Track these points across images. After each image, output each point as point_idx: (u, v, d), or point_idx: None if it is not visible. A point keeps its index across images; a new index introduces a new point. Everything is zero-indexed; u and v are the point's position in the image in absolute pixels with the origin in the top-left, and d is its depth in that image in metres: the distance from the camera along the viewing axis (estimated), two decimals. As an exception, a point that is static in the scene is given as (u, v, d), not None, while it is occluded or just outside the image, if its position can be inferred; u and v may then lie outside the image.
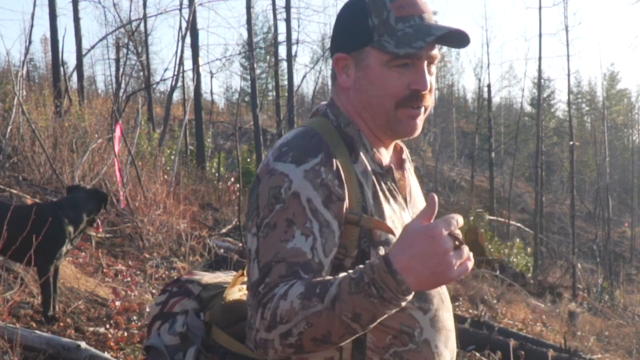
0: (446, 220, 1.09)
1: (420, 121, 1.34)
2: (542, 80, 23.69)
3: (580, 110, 43.55)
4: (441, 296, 1.35)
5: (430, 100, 1.34)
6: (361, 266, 1.12)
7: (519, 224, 23.81)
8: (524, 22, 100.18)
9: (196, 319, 1.40)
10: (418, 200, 1.44)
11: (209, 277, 1.53)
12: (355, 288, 1.08)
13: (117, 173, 6.97)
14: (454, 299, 9.66)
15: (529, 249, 17.88)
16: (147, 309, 4.67)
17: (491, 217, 20.84)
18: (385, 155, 1.40)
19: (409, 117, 1.32)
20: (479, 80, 28.45)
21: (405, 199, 1.39)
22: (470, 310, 8.91)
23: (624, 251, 28.15)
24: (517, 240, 18.01)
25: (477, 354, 6.24)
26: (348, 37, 1.33)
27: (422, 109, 1.34)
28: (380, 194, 1.31)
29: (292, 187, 1.21)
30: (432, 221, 1.10)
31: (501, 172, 29.67)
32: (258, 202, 1.25)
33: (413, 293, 1.09)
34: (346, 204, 1.24)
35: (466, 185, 29.81)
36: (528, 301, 11.15)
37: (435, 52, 1.32)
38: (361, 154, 1.33)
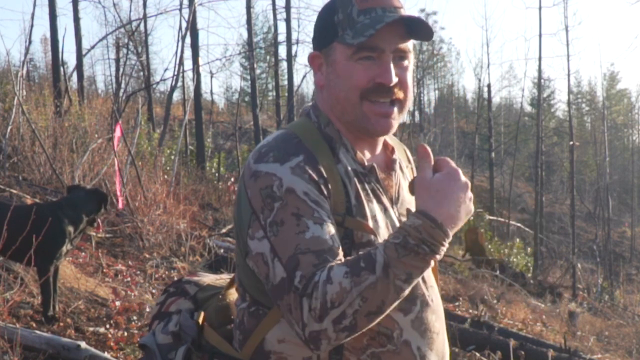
0: (446, 159, 1.21)
1: (392, 119, 1.32)
2: (542, 80, 23.69)
3: (580, 110, 43.55)
4: (427, 298, 1.33)
5: (403, 95, 1.32)
6: (399, 229, 1.16)
7: (519, 224, 23.81)
8: (524, 22, 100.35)
9: (189, 318, 1.40)
10: (408, 202, 1.40)
11: (210, 279, 1.55)
12: (403, 251, 1.12)
13: (117, 174, 6.96)
14: (454, 299, 9.66)
15: (529, 249, 17.88)
16: (148, 309, 4.68)
17: (491, 217, 20.84)
18: (368, 155, 1.38)
19: (377, 114, 1.30)
20: (479, 80, 28.48)
21: (391, 199, 1.37)
22: (470, 310, 8.91)
23: (624, 251, 28.15)
24: (517, 240, 18.02)
25: (477, 354, 6.24)
26: (319, 35, 1.36)
27: (394, 107, 1.32)
28: (362, 193, 1.30)
29: (283, 184, 1.20)
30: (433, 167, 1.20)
31: (501, 172, 29.68)
32: (253, 207, 1.23)
33: None
34: (329, 200, 1.24)
35: (466, 185, 29.76)
36: (528, 301, 11.15)
37: (405, 45, 1.31)
38: (341, 154, 1.32)
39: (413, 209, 1.24)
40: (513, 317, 9.23)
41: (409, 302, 1.27)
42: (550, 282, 14.93)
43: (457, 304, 9.36)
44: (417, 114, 35.67)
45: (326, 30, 1.33)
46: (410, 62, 1.34)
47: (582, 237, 25.92)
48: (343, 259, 1.18)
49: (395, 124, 1.34)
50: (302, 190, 1.20)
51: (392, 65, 1.29)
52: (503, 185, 29.43)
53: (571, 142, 20.68)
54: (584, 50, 67.27)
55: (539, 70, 22.06)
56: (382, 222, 1.31)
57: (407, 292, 1.16)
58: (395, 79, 1.29)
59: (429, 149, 1.18)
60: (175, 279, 1.45)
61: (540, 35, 20.99)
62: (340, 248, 1.20)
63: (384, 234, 1.29)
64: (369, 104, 1.30)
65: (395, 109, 1.32)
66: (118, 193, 6.63)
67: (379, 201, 1.34)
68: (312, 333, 1.12)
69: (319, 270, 1.13)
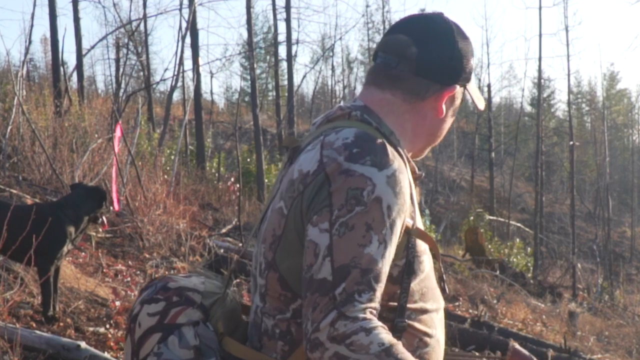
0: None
1: None
2: (542, 80, 23.71)
3: (580, 110, 43.56)
4: (444, 296, 1.42)
5: None
6: None
7: (519, 224, 23.82)
8: (524, 22, 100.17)
9: (207, 329, 1.34)
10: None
11: (185, 281, 1.44)
12: None
13: (114, 175, 6.94)
14: (454, 299, 9.66)
15: (529, 249, 17.88)
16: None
17: (491, 217, 20.85)
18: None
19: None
20: (479, 80, 28.43)
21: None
22: (470, 310, 8.91)
23: (624, 251, 28.16)
24: (517, 240, 18.01)
25: (477, 354, 6.24)
26: (453, 69, 1.39)
27: None
28: (416, 202, 1.35)
29: (375, 192, 1.20)
30: None
31: (501, 172, 29.69)
32: (332, 200, 1.21)
33: None
34: (406, 213, 1.27)
35: (466, 185, 29.81)
36: (528, 301, 11.15)
37: None
38: (406, 162, 1.36)
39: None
40: (513, 317, 9.24)
41: (438, 302, 1.36)
42: (550, 282, 14.93)
43: (457, 304, 9.35)
44: (417, 114, 35.63)
45: (460, 68, 1.39)
46: None
47: (582, 237, 25.92)
48: (385, 281, 1.21)
49: None
50: (387, 203, 1.21)
51: None
52: (503, 185, 29.43)
53: (571, 142, 20.69)
54: (584, 50, 67.51)
55: (539, 70, 22.10)
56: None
57: None
58: None
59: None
60: (150, 284, 1.30)
61: (540, 35, 21.04)
62: (386, 273, 1.22)
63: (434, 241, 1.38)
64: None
65: None
66: (114, 195, 6.62)
67: (421, 209, 1.40)
68: (317, 340, 1.15)
69: (362, 298, 1.16)
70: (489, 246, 15.53)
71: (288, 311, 1.30)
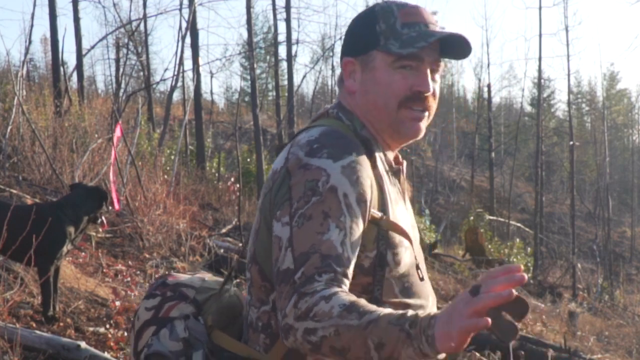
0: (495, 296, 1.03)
1: (423, 124, 1.40)
2: (542, 80, 23.70)
3: (580, 110, 43.54)
4: (432, 294, 1.44)
5: (433, 105, 1.40)
6: (412, 312, 1.11)
7: (519, 224, 23.82)
8: (524, 22, 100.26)
9: (197, 323, 1.40)
10: (409, 200, 1.49)
11: (185, 278, 1.51)
12: (395, 321, 1.09)
13: (112, 175, 6.93)
14: (454, 298, 9.67)
15: (529, 249, 17.88)
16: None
17: (491, 217, 20.84)
18: (391, 158, 1.45)
19: (411, 119, 1.38)
20: (479, 80, 28.45)
21: (405, 200, 1.45)
22: (470, 310, 8.91)
23: (624, 251, 28.16)
24: (517, 240, 18.01)
25: (477, 354, 6.24)
26: (356, 42, 1.41)
27: (425, 113, 1.39)
28: (392, 195, 1.37)
29: (329, 181, 1.25)
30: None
31: (501, 172, 29.68)
32: (291, 194, 1.27)
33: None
34: (370, 203, 1.29)
35: (466, 185, 29.80)
36: (528, 301, 11.15)
37: (440, 60, 1.39)
38: (377, 156, 1.38)
39: (409, 207, 1.35)
40: (513, 317, 9.23)
41: (425, 298, 1.39)
42: (550, 282, 14.94)
43: (457, 304, 9.35)
44: (417, 114, 35.64)
45: (366, 38, 1.38)
46: (439, 78, 1.42)
47: (582, 237, 25.92)
48: (351, 268, 1.22)
49: (424, 130, 1.42)
50: (343, 191, 1.25)
51: (429, 76, 1.37)
52: (503, 185, 29.42)
53: (571, 142, 20.69)
54: (584, 50, 67.56)
55: (539, 70, 22.09)
56: (406, 223, 1.38)
57: (376, 357, 1.11)
58: (432, 88, 1.37)
59: (524, 277, 1.06)
60: (154, 281, 1.40)
61: (540, 35, 21.02)
62: (351, 259, 1.23)
63: (409, 234, 1.36)
64: (406, 110, 1.37)
65: (426, 115, 1.40)
66: (114, 194, 6.62)
67: (405, 202, 1.42)
68: (286, 325, 1.17)
69: (321, 278, 1.17)
70: (489, 246, 15.53)
71: (268, 302, 1.34)
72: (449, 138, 37.79)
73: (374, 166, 1.35)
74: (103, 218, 4.32)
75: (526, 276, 1.05)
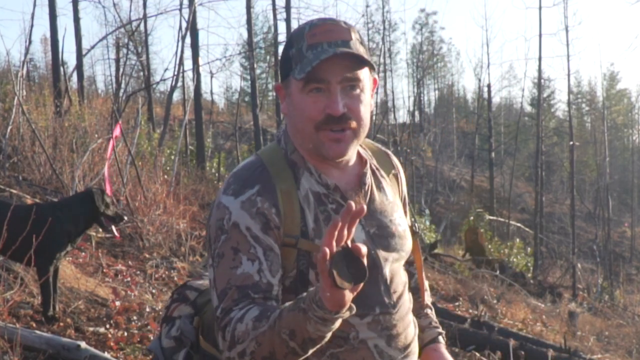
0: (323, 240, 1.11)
1: (346, 143, 1.37)
2: (542, 80, 23.70)
3: (580, 110, 43.56)
4: (386, 304, 1.41)
5: (354, 122, 1.36)
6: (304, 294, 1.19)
7: (519, 224, 23.81)
8: (524, 22, 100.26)
9: (188, 323, 1.54)
10: (382, 211, 1.47)
11: (198, 283, 1.66)
12: (293, 306, 1.17)
13: (106, 173, 6.91)
14: (454, 299, 9.67)
15: (529, 249, 17.88)
16: (147, 309, 4.68)
17: (491, 217, 20.84)
18: (337, 174, 1.43)
19: (330, 140, 1.36)
20: (479, 80, 28.49)
21: None
22: (470, 310, 8.91)
23: (624, 251, 28.16)
24: (517, 240, 18.01)
25: (477, 354, 6.24)
26: (281, 67, 1.44)
27: (347, 132, 1.36)
28: (321, 215, 1.38)
29: (232, 218, 1.33)
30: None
31: (501, 172, 29.67)
32: (210, 235, 1.37)
33: (341, 313, 1.14)
34: (283, 229, 1.34)
35: (466, 185, 29.82)
36: (528, 301, 11.15)
37: (353, 74, 1.34)
38: (303, 179, 1.40)
39: (388, 217, 1.39)
40: (513, 317, 9.24)
41: (367, 308, 1.37)
42: (550, 282, 14.94)
43: (457, 304, 9.36)
44: (417, 114, 35.69)
45: (284, 64, 1.41)
46: (363, 90, 1.37)
47: (582, 237, 25.92)
48: (274, 290, 1.30)
49: (351, 147, 1.39)
50: (245, 225, 1.32)
51: (339, 96, 1.33)
52: (503, 185, 29.42)
53: (571, 142, 20.69)
54: (584, 50, 67.52)
55: (539, 70, 22.09)
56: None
57: (300, 349, 1.18)
58: (342, 109, 1.33)
59: (351, 209, 1.11)
60: (176, 280, 1.60)
61: (540, 35, 21.03)
62: (273, 283, 1.30)
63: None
64: (324, 132, 1.36)
65: (348, 134, 1.37)
66: (107, 185, 6.61)
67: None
68: (226, 358, 1.27)
69: (238, 307, 1.26)
70: (489, 246, 15.53)
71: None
72: (449, 138, 37.78)
73: (297, 189, 1.37)
74: (113, 228, 4.26)
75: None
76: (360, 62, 1.34)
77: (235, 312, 1.25)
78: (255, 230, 1.31)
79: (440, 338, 1.60)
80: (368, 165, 1.49)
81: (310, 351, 1.21)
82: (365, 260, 1.11)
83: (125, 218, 4.31)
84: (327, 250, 1.08)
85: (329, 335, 1.18)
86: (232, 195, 1.35)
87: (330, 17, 1.44)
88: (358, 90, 1.36)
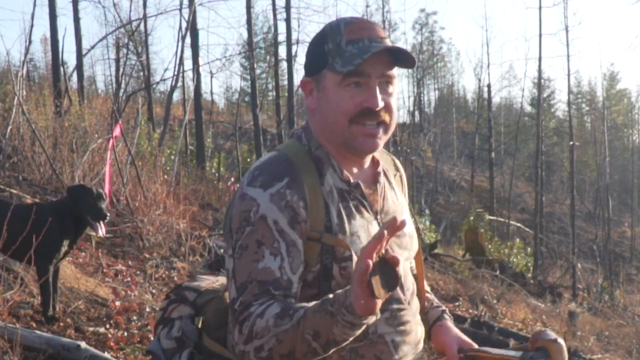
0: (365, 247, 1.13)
1: (379, 139, 1.42)
2: (542, 80, 23.70)
3: (580, 110, 43.57)
4: (402, 299, 1.46)
5: (387, 117, 1.41)
6: (331, 295, 1.21)
7: (519, 224, 23.81)
8: (524, 22, 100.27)
9: (190, 324, 1.53)
10: (394, 211, 1.51)
11: (207, 282, 1.65)
12: (319, 308, 1.19)
13: (107, 173, 6.90)
14: (454, 299, 9.66)
15: (529, 249, 17.87)
16: (147, 309, 4.68)
17: (491, 217, 20.84)
18: (357, 172, 1.48)
19: (364, 135, 1.40)
20: (479, 80, 28.49)
21: (376, 212, 1.47)
22: (470, 310, 8.91)
23: (624, 251, 28.16)
24: (517, 240, 18.01)
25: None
26: (311, 62, 1.46)
27: (380, 127, 1.41)
28: (344, 211, 1.41)
29: (259, 211, 1.33)
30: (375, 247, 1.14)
31: (501, 172, 29.68)
32: (232, 226, 1.37)
33: (369, 319, 1.17)
34: (309, 222, 1.35)
35: (466, 185, 29.82)
36: (528, 301, 11.15)
37: (390, 72, 1.40)
38: (328, 175, 1.42)
39: (399, 217, 1.33)
40: (513, 317, 9.23)
41: (385, 304, 1.38)
42: (550, 282, 14.94)
43: (457, 304, 9.35)
44: (417, 114, 35.68)
45: (317, 58, 1.43)
46: (395, 88, 1.43)
47: (582, 237, 25.92)
48: (293, 288, 1.31)
49: (381, 143, 1.44)
50: (273, 218, 1.32)
51: (378, 91, 1.38)
52: (503, 185, 29.43)
53: (571, 142, 20.68)
54: (584, 50, 67.59)
55: (539, 70, 22.09)
56: (364, 236, 1.41)
57: (322, 349, 1.21)
58: (381, 104, 1.38)
59: (396, 224, 1.14)
60: (176, 280, 1.59)
61: (540, 35, 21.02)
62: (293, 280, 1.31)
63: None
64: (357, 126, 1.39)
65: (381, 130, 1.41)
66: (106, 188, 6.60)
67: (363, 215, 1.44)
68: (240, 352, 1.28)
69: (258, 302, 1.27)
70: (489, 246, 15.53)
71: None
72: (449, 138, 37.78)
73: (321, 185, 1.39)
74: (101, 224, 4.04)
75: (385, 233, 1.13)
76: (407, 59, 1.38)
77: (255, 307, 1.26)
78: (282, 224, 1.32)
79: (445, 315, 1.63)
80: (380, 166, 1.53)
81: (331, 351, 1.23)
82: (400, 270, 1.13)
83: (109, 215, 4.08)
84: (370, 263, 1.10)
85: (352, 338, 1.20)
86: (261, 188, 1.35)
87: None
88: (392, 88, 1.42)
